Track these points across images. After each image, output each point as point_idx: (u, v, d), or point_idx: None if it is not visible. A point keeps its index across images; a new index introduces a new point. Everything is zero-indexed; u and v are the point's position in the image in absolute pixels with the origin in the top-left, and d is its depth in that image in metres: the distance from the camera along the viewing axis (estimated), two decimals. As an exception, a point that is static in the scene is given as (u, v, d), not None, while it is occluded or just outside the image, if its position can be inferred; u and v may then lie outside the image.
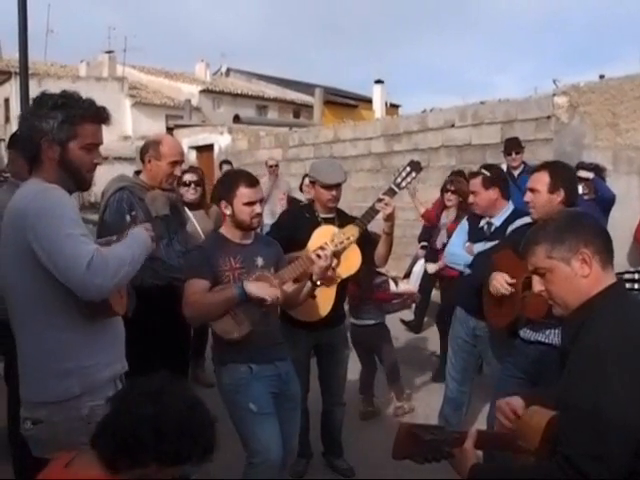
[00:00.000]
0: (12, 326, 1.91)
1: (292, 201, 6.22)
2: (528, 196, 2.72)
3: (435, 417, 3.67)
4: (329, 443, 3.56)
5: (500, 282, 2.76)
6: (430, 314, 6.11)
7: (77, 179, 1.91)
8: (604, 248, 1.63)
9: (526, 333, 2.74)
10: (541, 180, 2.67)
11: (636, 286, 2.39)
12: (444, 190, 5.11)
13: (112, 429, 1.50)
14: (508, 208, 3.32)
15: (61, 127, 1.83)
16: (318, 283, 2.75)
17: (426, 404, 4.39)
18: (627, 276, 2.38)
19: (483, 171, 3.36)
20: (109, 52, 23.32)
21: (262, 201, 2.69)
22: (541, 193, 2.66)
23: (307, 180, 4.88)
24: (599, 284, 1.60)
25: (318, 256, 2.71)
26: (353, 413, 3.98)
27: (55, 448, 1.83)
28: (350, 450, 3.59)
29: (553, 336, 2.63)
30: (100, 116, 1.92)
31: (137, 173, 3.18)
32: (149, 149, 3.07)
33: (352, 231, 2.91)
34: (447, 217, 5.13)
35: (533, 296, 2.55)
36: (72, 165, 1.88)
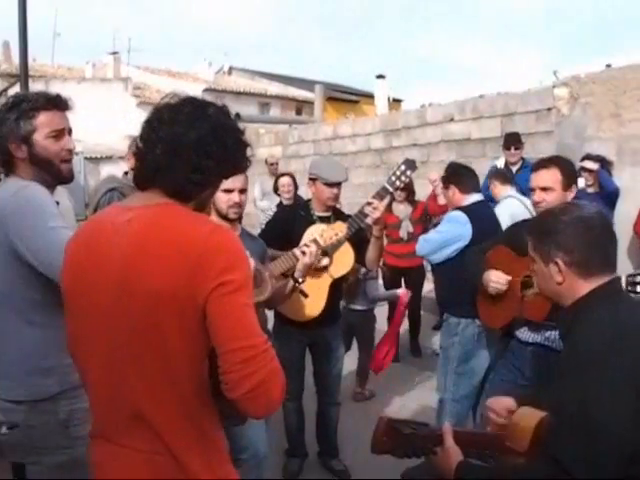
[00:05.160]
0: None
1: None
2: (539, 196, 2.53)
3: (425, 413, 3.63)
4: (324, 443, 3.52)
5: (497, 279, 2.62)
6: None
7: (52, 171, 1.90)
8: (587, 259, 1.55)
9: (524, 334, 2.59)
10: (553, 177, 2.51)
11: (638, 289, 2.26)
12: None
13: (171, 158, 1.32)
14: None
15: (18, 124, 1.84)
16: (300, 280, 2.68)
17: (416, 400, 4.38)
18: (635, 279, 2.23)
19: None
20: (114, 53, 23.43)
21: (243, 192, 2.57)
22: (555, 191, 2.49)
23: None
24: (576, 292, 1.55)
25: (303, 253, 2.66)
26: (349, 412, 3.93)
27: (31, 453, 1.84)
28: (346, 450, 3.55)
29: (554, 338, 2.43)
30: (52, 102, 1.90)
31: (126, 174, 3.15)
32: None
33: (340, 227, 2.84)
34: (405, 211, 5.34)
35: (533, 296, 2.46)
36: (42, 157, 1.87)
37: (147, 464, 1.29)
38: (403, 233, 5.28)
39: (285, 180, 6.05)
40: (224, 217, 2.55)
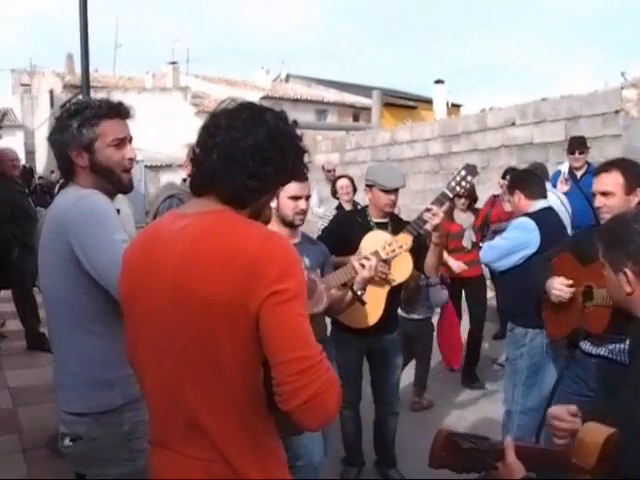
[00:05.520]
0: (51, 335, 1.90)
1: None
2: (600, 201, 2.44)
3: (484, 424, 3.54)
4: (382, 452, 3.49)
5: (560, 287, 2.54)
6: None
7: (113, 180, 1.87)
8: None
9: (586, 346, 2.49)
10: (614, 181, 2.40)
11: None
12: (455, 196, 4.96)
13: (227, 164, 1.30)
14: None
15: (80, 132, 1.81)
16: (359, 293, 2.62)
17: (474, 411, 4.27)
18: None
19: None
20: (173, 63, 24.11)
21: (308, 198, 2.59)
22: (617, 196, 2.39)
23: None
24: None
25: (362, 266, 2.59)
26: (406, 422, 3.89)
27: (95, 465, 1.82)
28: (403, 460, 3.50)
29: (618, 351, 2.33)
30: (115, 111, 1.87)
31: (184, 181, 3.21)
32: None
33: (405, 240, 2.75)
34: (468, 220, 5.11)
35: (593, 309, 2.39)
36: (104, 166, 1.84)
37: (204, 472, 1.28)
38: (467, 242, 5.05)
39: (344, 182, 5.94)
40: (289, 224, 2.57)
